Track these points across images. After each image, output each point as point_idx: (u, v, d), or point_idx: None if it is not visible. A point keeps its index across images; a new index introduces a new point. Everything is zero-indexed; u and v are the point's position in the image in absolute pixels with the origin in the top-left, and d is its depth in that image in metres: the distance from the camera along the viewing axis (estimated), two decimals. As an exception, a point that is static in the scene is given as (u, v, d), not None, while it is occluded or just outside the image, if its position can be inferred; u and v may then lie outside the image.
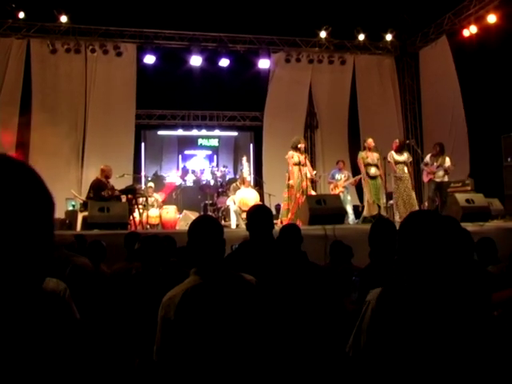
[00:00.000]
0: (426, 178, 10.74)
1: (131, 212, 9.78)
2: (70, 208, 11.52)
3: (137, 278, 3.74)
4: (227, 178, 14.71)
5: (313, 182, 11.40)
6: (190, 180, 16.10)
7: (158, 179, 15.46)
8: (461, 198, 9.47)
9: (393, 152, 10.36)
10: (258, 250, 3.27)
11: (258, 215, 3.41)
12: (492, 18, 12.72)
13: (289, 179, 10.08)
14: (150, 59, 14.35)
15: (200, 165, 16.45)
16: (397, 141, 10.69)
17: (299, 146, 9.98)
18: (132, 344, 3.06)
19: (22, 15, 13.07)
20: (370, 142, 10.51)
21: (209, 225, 2.49)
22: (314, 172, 11.05)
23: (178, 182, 15.92)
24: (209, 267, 2.37)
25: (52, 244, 0.93)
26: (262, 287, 2.45)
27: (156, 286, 3.68)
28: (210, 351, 2.18)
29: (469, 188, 11.96)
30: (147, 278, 3.62)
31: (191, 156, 16.63)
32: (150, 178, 14.84)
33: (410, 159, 10.71)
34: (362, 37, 15.37)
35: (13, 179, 0.88)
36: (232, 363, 2.19)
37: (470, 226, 8.44)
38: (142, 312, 3.28)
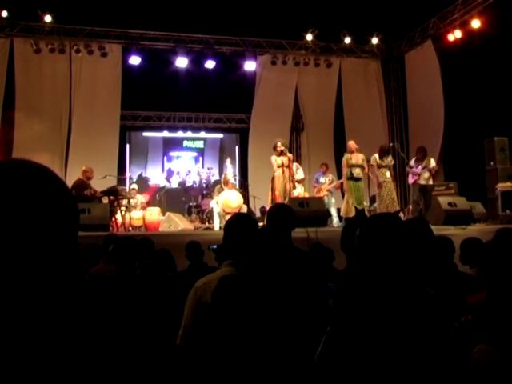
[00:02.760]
0: (411, 181, 10.79)
1: (113, 213, 9.72)
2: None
3: (110, 281, 3.70)
4: (212, 180, 14.66)
5: (299, 183, 11.43)
6: (174, 182, 16.03)
7: (142, 181, 15.37)
8: (443, 201, 9.52)
9: (376, 155, 10.39)
10: (274, 249, 3.22)
11: (278, 214, 3.35)
12: (476, 23, 12.80)
13: (273, 182, 10.09)
14: (135, 60, 14.27)
15: (185, 166, 16.38)
16: (382, 145, 10.75)
17: (277, 148, 9.99)
18: (106, 346, 3.02)
19: (5, 14, 12.94)
20: (351, 144, 10.54)
21: (247, 222, 2.70)
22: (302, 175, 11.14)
23: (163, 183, 15.83)
24: (243, 260, 2.53)
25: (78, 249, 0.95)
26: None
27: (130, 288, 3.65)
28: (240, 339, 2.22)
29: (452, 191, 12.00)
30: (121, 280, 3.57)
31: (176, 157, 16.56)
32: (134, 180, 14.76)
33: (393, 162, 10.74)
34: (348, 40, 15.40)
35: (42, 185, 0.89)
36: (259, 355, 2.20)
37: (452, 229, 8.50)
38: (115, 313, 3.24)
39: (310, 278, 2.95)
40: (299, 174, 11.19)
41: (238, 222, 2.71)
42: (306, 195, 11.43)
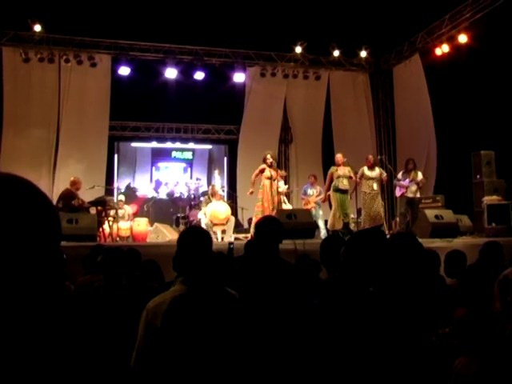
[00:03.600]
0: (398, 193, 10.84)
1: (101, 224, 9.69)
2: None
3: (98, 291, 3.69)
4: (200, 191, 14.65)
5: (287, 196, 11.45)
6: (163, 192, 15.99)
7: (130, 191, 15.32)
8: (430, 214, 9.58)
9: (365, 168, 10.44)
10: (261, 261, 3.20)
11: (267, 226, 3.33)
12: (463, 38, 12.96)
13: (260, 193, 10.10)
14: (124, 71, 14.27)
15: (174, 177, 16.37)
16: (370, 157, 10.77)
17: (267, 160, 10.02)
18: (94, 357, 3.00)
19: (-6, 23, 12.92)
20: (339, 157, 10.57)
21: (198, 236, 2.55)
22: (286, 186, 11.11)
23: (151, 194, 15.78)
24: (196, 278, 2.42)
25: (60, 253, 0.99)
26: (246, 300, 2.49)
27: (118, 298, 3.64)
28: (191, 360, 2.19)
29: (439, 204, 12.08)
30: (109, 290, 3.57)
31: (165, 168, 16.55)
32: (122, 191, 14.71)
33: (384, 174, 10.77)
34: (336, 53, 15.49)
35: (24, 199, 0.90)
36: (211, 373, 2.19)
37: (438, 242, 8.55)
38: (102, 324, 3.23)
39: (295, 290, 2.95)
40: (280, 185, 11.22)
41: (190, 236, 2.57)
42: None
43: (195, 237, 2.54)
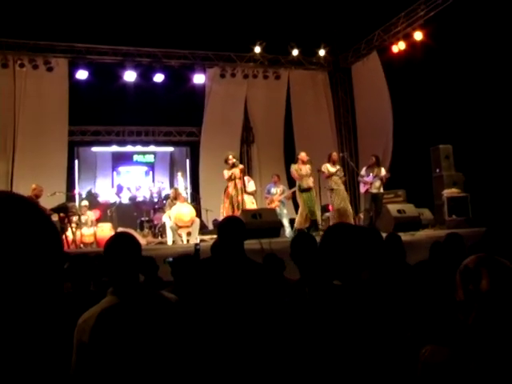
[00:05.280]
0: (362, 190, 10.95)
1: (64, 231, 9.54)
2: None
3: (65, 299, 3.63)
4: (163, 194, 14.55)
5: (251, 195, 11.45)
6: (125, 197, 15.80)
7: (91, 197, 15.07)
8: (393, 208, 9.75)
9: (327, 164, 10.51)
10: (228, 262, 3.17)
11: (229, 227, 3.27)
12: (418, 36, 13.22)
13: (225, 194, 10.10)
14: (82, 74, 14.06)
15: (135, 181, 16.21)
16: (334, 154, 10.87)
17: (228, 161, 10.02)
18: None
19: None
20: (303, 155, 10.59)
21: (124, 243, 2.39)
22: (254, 189, 11.15)
23: (113, 199, 15.58)
24: (125, 287, 2.29)
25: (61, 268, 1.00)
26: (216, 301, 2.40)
27: (86, 306, 3.59)
28: (127, 374, 2.10)
29: (401, 199, 12.31)
30: (76, 298, 3.51)
31: (126, 172, 16.38)
32: (83, 196, 14.49)
33: (343, 173, 10.85)
34: (295, 52, 15.58)
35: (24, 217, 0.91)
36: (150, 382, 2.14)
37: (401, 236, 8.67)
38: (68, 334, 3.18)
39: (263, 289, 2.95)
40: (250, 186, 11.22)
41: (115, 244, 2.40)
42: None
43: (121, 244, 2.39)
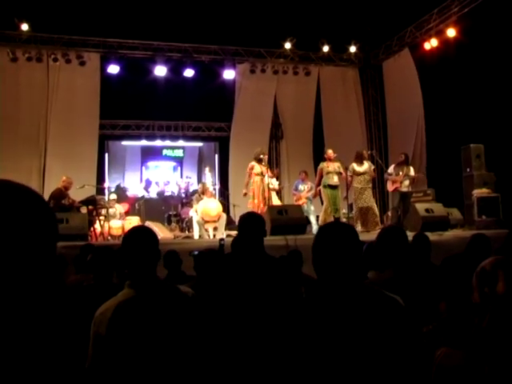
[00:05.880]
0: (391, 188, 10.83)
1: (92, 223, 9.67)
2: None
3: (87, 290, 3.68)
4: (191, 190, 14.63)
5: (278, 193, 11.47)
6: (153, 192, 15.92)
7: (120, 191, 15.22)
8: (421, 207, 9.62)
9: (354, 164, 10.47)
10: (247, 258, 3.18)
11: (249, 223, 3.29)
12: (451, 32, 13.01)
13: (251, 190, 10.11)
14: (113, 69, 14.22)
15: (164, 176, 16.33)
16: (359, 151, 10.83)
17: (262, 157, 10.01)
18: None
19: (-20, 23, 12.83)
20: (330, 153, 10.58)
21: (141, 236, 2.41)
22: (278, 183, 11.12)
23: (141, 193, 15.71)
24: (143, 280, 2.31)
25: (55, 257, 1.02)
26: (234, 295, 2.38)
27: (107, 298, 3.63)
28: (142, 367, 2.12)
29: (430, 198, 12.13)
30: (98, 290, 3.56)
31: (155, 167, 16.52)
32: (112, 190, 14.66)
33: (373, 167, 10.82)
34: (326, 48, 15.51)
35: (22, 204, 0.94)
36: (166, 378, 2.15)
37: (429, 236, 8.57)
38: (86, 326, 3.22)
39: (280, 284, 2.95)
40: (274, 182, 11.24)
41: (133, 237, 2.41)
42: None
43: (138, 237, 2.40)
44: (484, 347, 1.62)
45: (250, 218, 3.29)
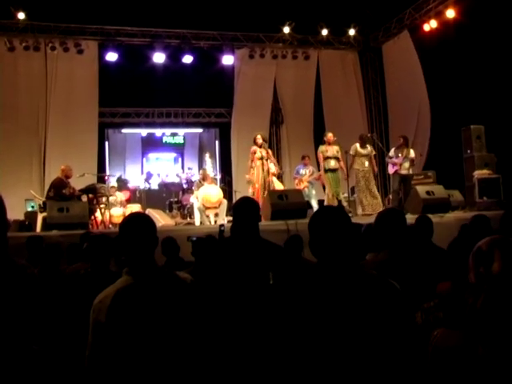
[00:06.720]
0: (391, 171, 10.82)
1: (92, 212, 9.66)
2: (30, 209, 11.30)
3: (84, 278, 3.68)
4: (192, 180, 14.61)
5: (279, 177, 11.44)
6: (154, 183, 15.79)
7: (121, 183, 15.14)
8: (421, 190, 9.59)
9: (357, 145, 10.47)
10: (242, 243, 3.17)
11: (243, 208, 3.27)
12: (451, 13, 12.91)
13: (252, 175, 10.09)
14: (112, 56, 14.16)
15: (165, 168, 16.30)
16: (363, 134, 10.86)
17: (257, 141, 9.99)
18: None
19: (-24, 12, 12.74)
20: (330, 136, 10.59)
21: (138, 222, 2.38)
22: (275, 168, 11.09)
23: (143, 185, 15.63)
24: (140, 267, 2.30)
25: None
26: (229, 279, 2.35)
27: (104, 286, 3.63)
28: (143, 354, 2.12)
29: (431, 180, 12.11)
30: (95, 278, 3.55)
31: (155, 159, 16.51)
32: (113, 181, 14.63)
33: (374, 152, 10.83)
34: (325, 32, 15.40)
35: None
36: (166, 365, 2.15)
37: (430, 217, 8.55)
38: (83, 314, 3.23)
39: (277, 268, 2.94)
40: (272, 167, 11.20)
41: (130, 224, 2.38)
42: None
43: (135, 224, 2.37)
44: (478, 328, 1.62)
45: (243, 203, 3.28)
